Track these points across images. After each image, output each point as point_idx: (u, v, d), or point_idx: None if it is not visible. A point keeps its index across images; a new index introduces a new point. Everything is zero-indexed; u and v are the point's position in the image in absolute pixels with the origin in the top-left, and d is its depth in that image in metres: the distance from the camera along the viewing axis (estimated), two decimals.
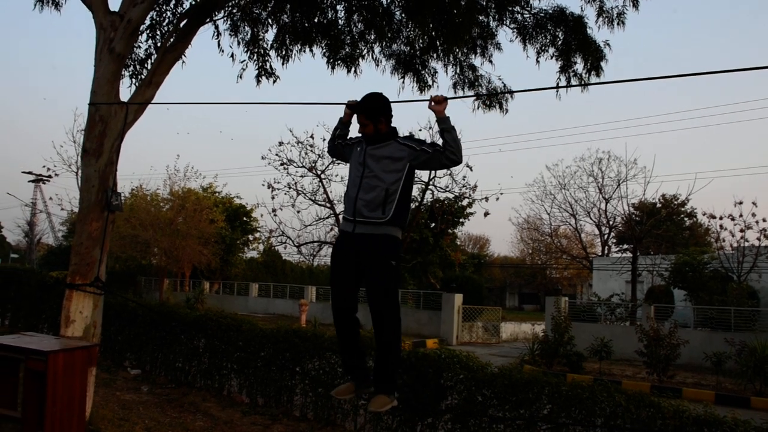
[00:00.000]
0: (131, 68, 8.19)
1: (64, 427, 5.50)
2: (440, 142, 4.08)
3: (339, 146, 4.54)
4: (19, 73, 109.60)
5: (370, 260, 4.00)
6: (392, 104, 4.17)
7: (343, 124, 4.54)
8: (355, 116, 4.28)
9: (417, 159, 4.05)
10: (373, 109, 4.09)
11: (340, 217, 22.17)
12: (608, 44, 8.21)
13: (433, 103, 4.08)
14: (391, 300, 4.02)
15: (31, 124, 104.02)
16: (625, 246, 39.72)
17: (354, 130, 4.42)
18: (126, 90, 7.59)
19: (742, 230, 22.54)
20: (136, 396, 8.38)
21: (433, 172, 20.81)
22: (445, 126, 4.02)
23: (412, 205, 28.56)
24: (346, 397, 4.55)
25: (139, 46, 8.15)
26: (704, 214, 24.87)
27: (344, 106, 4.52)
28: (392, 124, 4.19)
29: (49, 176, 37.70)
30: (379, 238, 4.01)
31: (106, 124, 6.30)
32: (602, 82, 8.33)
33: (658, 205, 35.74)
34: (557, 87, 8.16)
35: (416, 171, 4.39)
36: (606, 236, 35.37)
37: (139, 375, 9.91)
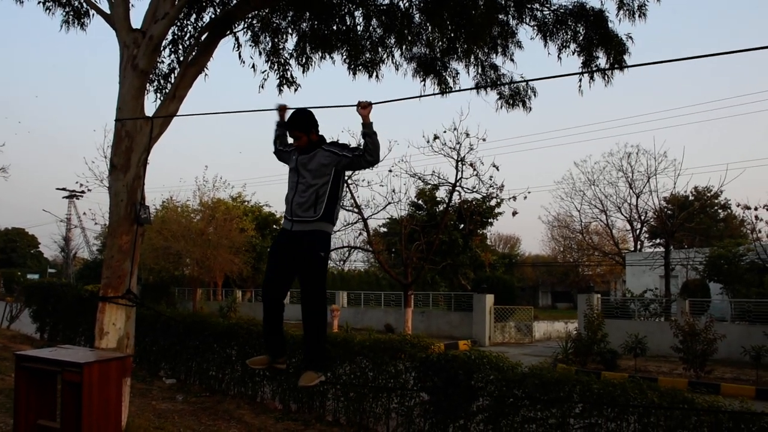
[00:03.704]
0: (155, 83, 8.34)
1: None
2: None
3: (280, 151, 5.09)
4: (51, 90, 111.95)
5: (302, 252, 4.52)
6: (375, 103, 4.55)
7: (280, 125, 5.09)
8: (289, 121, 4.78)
9: (340, 163, 4.59)
10: (305, 123, 4.63)
11: (368, 222, 22.41)
12: (630, 37, 8.12)
13: (359, 108, 4.50)
14: (318, 287, 4.56)
15: (64, 140, 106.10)
16: (658, 240, 39.07)
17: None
18: (151, 105, 7.74)
19: None
20: (171, 405, 8.50)
21: (459, 173, 20.82)
22: (368, 130, 4.48)
23: (440, 208, 28.62)
24: (260, 367, 5.01)
25: (162, 61, 8.30)
26: (738, 205, 24.26)
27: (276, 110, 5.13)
28: (320, 133, 4.72)
29: (82, 192, 38.47)
30: (311, 233, 4.54)
31: (133, 139, 6.41)
32: (624, 66, 8.21)
33: (690, 198, 35.13)
34: (580, 74, 8.10)
35: (356, 172, 4.97)
36: (638, 231, 34.77)
37: (174, 384, 10.04)
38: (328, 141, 4.74)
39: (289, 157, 4.85)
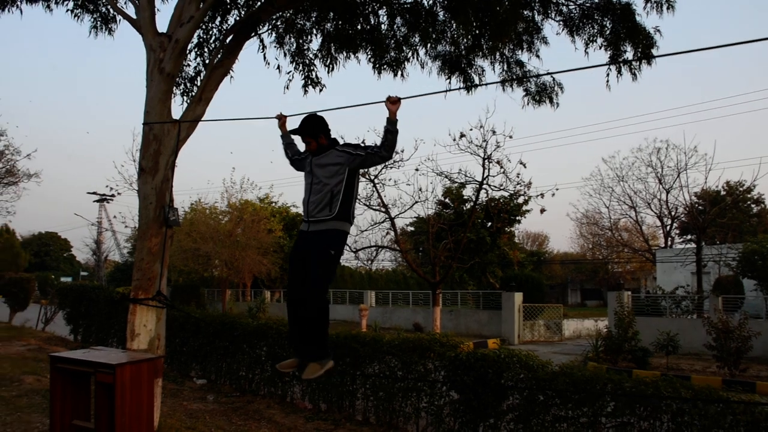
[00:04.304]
0: (182, 86, 8.42)
1: None
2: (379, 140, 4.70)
3: (295, 161, 5.21)
4: (78, 97, 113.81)
5: (314, 249, 4.60)
6: (403, 98, 4.60)
7: (284, 136, 5.29)
8: (288, 126, 5.07)
9: (353, 162, 4.67)
10: (311, 129, 4.74)
11: (396, 221, 22.38)
12: (659, 30, 7.99)
13: (388, 103, 4.56)
14: (322, 281, 4.62)
15: (93, 146, 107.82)
16: (689, 236, 38.47)
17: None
18: (178, 108, 7.82)
19: None
20: (202, 405, 8.58)
21: (486, 171, 20.74)
22: (391, 127, 4.54)
23: (467, 206, 28.49)
24: (289, 370, 5.09)
25: (188, 65, 8.38)
26: None
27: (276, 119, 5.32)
28: (332, 136, 4.84)
29: (112, 195, 39.11)
30: (326, 231, 4.61)
31: (161, 143, 6.48)
32: (652, 56, 8.10)
33: (722, 193, 34.51)
34: (608, 65, 7.99)
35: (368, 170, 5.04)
36: (668, 227, 34.26)
37: (204, 384, 10.14)
38: (341, 143, 4.82)
39: (304, 162, 4.96)
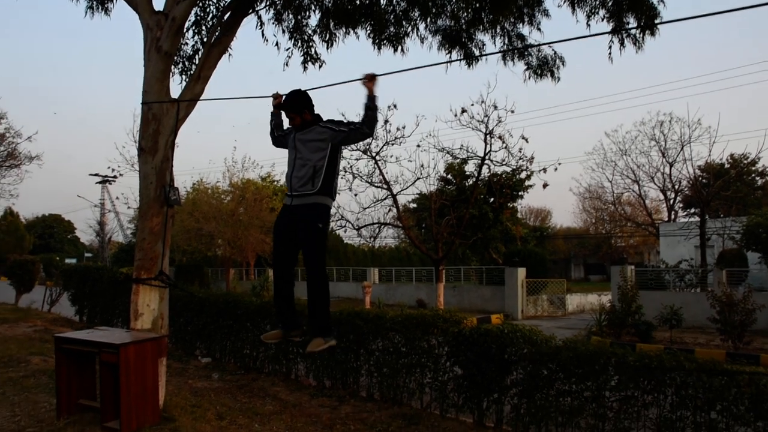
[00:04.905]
0: (180, 65, 8.35)
1: (139, 415, 5.72)
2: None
3: (279, 137, 5.28)
4: (78, 77, 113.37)
5: (302, 224, 4.71)
6: (402, 71, 4.73)
7: (275, 114, 5.34)
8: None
9: (336, 138, 4.75)
10: (296, 105, 4.80)
11: (398, 198, 22.36)
12: (662, 1, 7.88)
13: (365, 80, 4.65)
14: (318, 257, 4.73)
15: (94, 126, 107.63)
16: (693, 210, 38.42)
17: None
18: (176, 87, 7.75)
19: None
20: (207, 383, 8.63)
21: (488, 146, 20.72)
22: (371, 103, 4.66)
23: (469, 182, 28.40)
24: (274, 341, 5.23)
25: (186, 43, 8.31)
26: None
27: (271, 98, 5.34)
28: (315, 112, 4.88)
29: (114, 177, 39.05)
30: (310, 206, 4.71)
31: (160, 122, 6.44)
32: (656, 24, 8.01)
33: (726, 166, 34.33)
34: (611, 33, 7.90)
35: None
36: (672, 201, 34.25)
37: (209, 363, 10.19)
38: (324, 119, 4.88)
39: (287, 139, 5.04)
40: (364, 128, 4.71)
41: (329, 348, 4.90)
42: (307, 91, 4.92)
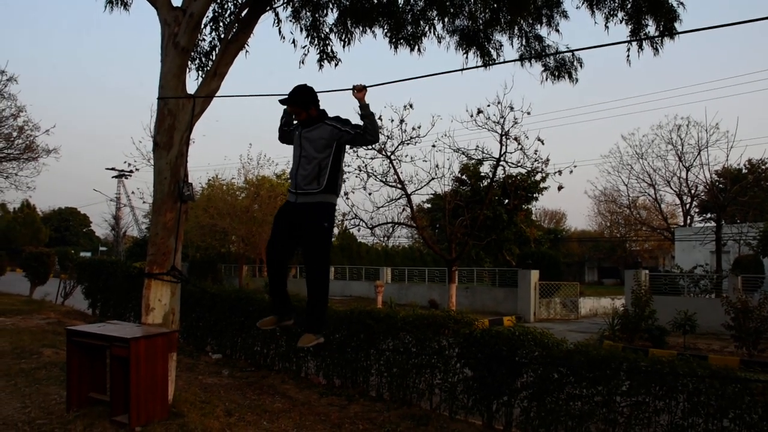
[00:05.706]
0: (196, 61, 8.36)
1: (148, 409, 5.74)
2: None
3: (285, 133, 5.22)
4: (96, 75, 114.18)
5: (307, 223, 4.72)
6: (420, 77, 4.67)
7: (288, 114, 5.20)
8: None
9: (342, 138, 4.78)
10: (303, 99, 4.79)
11: (412, 197, 22.33)
12: (682, 3, 7.79)
13: (355, 91, 4.76)
14: (321, 256, 4.76)
15: (110, 122, 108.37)
16: (709, 215, 38.04)
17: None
18: (193, 83, 7.77)
19: None
20: (217, 379, 8.65)
21: (503, 148, 20.67)
22: (366, 112, 4.74)
23: (484, 183, 28.31)
24: (269, 327, 5.32)
25: (203, 39, 8.32)
26: None
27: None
28: (321, 108, 4.89)
29: (131, 171, 39.30)
30: (315, 205, 4.73)
31: (175, 117, 6.46)
32: (675, 33, 7.93)
33: (744, 171, 33.98)
34: (629, 41, 7.83)
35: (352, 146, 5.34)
36: (688, 206, 33.99)
37: (220, 359, 10.22)
38: (330, 116, 4.89)
39: (292, 135, 5.04)
40: (366, 136, 4.76)
41: (317, 345, 5.02)
42: (312, 86, 4.91)
